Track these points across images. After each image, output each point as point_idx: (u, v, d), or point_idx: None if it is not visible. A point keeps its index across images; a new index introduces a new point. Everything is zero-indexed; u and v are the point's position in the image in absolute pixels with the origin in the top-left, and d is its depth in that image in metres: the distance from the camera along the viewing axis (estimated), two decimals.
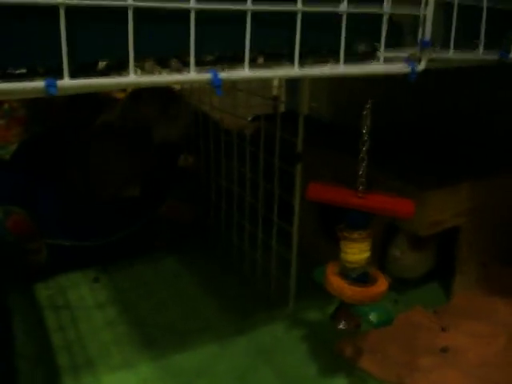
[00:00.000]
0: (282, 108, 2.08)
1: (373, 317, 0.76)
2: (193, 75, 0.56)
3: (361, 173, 0.75)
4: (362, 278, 0.78)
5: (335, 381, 0.94)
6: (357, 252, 0.76)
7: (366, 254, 0.77)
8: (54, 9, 0.49)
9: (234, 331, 1.07)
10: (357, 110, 0.79)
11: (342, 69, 0.64)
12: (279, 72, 0.61)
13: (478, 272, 1.16)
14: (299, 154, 0.99)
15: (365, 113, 0.73)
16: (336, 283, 0.78)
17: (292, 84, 1.99)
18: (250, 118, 1.79)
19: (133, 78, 0.54)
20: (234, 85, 1.56)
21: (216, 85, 0.57)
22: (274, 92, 2.11)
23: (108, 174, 1.33)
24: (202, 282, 1.24)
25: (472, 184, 1.06)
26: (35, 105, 1.46)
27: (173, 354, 1.00)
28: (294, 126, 0.99)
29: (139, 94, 1.41)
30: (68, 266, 1.26)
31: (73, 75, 0.51)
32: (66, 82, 0.51)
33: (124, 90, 2.06)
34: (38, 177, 1.29)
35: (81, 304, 1.15)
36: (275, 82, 1.95)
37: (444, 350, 1.01)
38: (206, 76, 0.56)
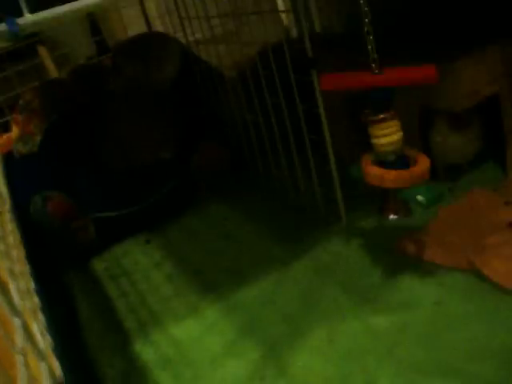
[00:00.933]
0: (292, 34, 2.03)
1: (420, 196, 0.71)
2: None
3: (370, 47, 0.69)
4: (400, 160, 0.73)
5: (403, 281, 0.90)
6: (387, 133, 0.71)
7: (398, 135, 0.72)
8: None
9: (291, 257, 1.04)
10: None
11: None
12: None
13: None
14: (311, 59, 0.93)
15: None
16: (374, 171, 0.73)
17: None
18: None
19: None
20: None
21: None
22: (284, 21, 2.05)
23: (139, 140, 1.30)
24: (251, 220, 1.21)
25: (501, 46, 0.98)
26: (47, 92, 1.45)
27: (234, 293, 0.98)
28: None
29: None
30: (118, 236, 1.26)
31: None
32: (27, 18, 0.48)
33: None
34: (69, 158, 1.29)
35: (137, 267, 1.15)
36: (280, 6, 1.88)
37: (508, 225, 0.95)
38: None
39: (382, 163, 0.74)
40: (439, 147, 1.06)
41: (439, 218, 1.00)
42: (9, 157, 1.48)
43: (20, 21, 0.47)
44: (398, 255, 0.95)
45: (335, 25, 1.74)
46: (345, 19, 1.69)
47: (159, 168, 1.29)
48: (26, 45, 2.08)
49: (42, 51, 2.56)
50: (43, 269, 1.12)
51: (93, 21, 2.57)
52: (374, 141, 0.74)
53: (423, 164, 0.74)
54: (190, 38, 1.45)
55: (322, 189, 1.09)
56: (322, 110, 0.94)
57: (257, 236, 1.15)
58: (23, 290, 0.67)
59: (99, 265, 1.20)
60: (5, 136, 1.72)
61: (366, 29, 0.70)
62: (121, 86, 1.39)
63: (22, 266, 0.81)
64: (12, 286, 0.59)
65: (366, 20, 0.69)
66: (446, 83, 0.94)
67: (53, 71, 2.58)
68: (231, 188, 1.37)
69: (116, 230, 1.25)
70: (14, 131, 1.42)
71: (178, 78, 1.41)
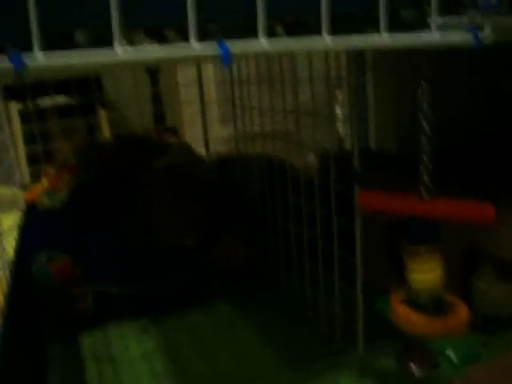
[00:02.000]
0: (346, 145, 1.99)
1: (453, 353, 0.60)
2: (195, 47, 0.46)
3: (425, 174, 0.61)
4: (434, 304, 0.63)
5: None
6: (425, 269, 0.61)
7: (437, 274, 0.62)
8: None
9: (294, 381, 0.92)
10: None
11: (386, 39, 0.52)
12: (304, 43, 0.50)
13: None
14: (356, 173, 0.86)
15: (420, 94, 0.60)
16: (402, 312, 0.63)
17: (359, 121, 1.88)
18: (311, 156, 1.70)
19: (119, 51, 0.44)
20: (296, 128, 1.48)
21: (224, 58, 0.46)
22: (340, 129, 2.01)
23: (168, 224, 1.24)
24: (259, 328, 1.10)
25: None
26: (86, 152, 1.42)
27: None
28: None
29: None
30: (116, 315, 1.17)
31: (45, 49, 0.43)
32: (37, 56, 0.42)
33: (175, 133, 2.03)
34: (86, 223, 1.23)
35: (125, 355, 1.05)
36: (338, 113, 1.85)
37: None
38: (210, 46, 0.46)
39: (414, 304, 0.64)
40: (481, 296, 0.95)
41: (466, 377, 0.88)
42: (32, 207, 1.44)
43: (28, 60, 0.41)
44: None
45: (391, 142, 1.69)
46: (402, 138, 1.63)
47: (177, 254, 1.21)
48: (85, 102, 2.12)
49: (101, 112, 2.61)
50: (26, 329, 1.02)
51: (156, 93, 2.62)
52: (408, 275, 0.64)
53: (461, 314, 0.63)
54: (239, 129, 1.42)
55: (342, 313, 0.98)
56: (357, 228, 0.86)
57: (261, 348, 1.03)
58: None
59: (87, 341, 1.10)
60: (35, 186, 1.70)
61: (422, 150, 0.62)
62: (161, 166, 1.35)
63: None
64: None
65: (424, 140, 0.61)
66: (497, 228, 0.85)
67: (106, 134, 2.61)
68: (247, 288, 1.27)
69: (116, 308, 1.16)
70: (43, 183, 1.39)
71: (218, 171, 1.37)
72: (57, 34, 0.43)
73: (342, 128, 1.97)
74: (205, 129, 1.67)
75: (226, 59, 0.46)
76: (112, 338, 1.11)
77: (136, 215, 1.21)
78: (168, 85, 2.31)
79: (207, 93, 1.74)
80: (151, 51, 0.45)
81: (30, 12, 0.41)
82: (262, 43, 0.48)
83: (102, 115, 2.56)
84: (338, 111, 1.94)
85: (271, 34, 0.49)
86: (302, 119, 1.26)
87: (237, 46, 0.47)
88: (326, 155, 1.08)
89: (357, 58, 1.67)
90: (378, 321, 0.86)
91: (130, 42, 0.45)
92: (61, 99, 2.13)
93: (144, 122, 2.61)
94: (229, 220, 1.30)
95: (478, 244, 0.91)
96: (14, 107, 2.07)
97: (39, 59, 0.42)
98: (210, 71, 1.89)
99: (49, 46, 0.43)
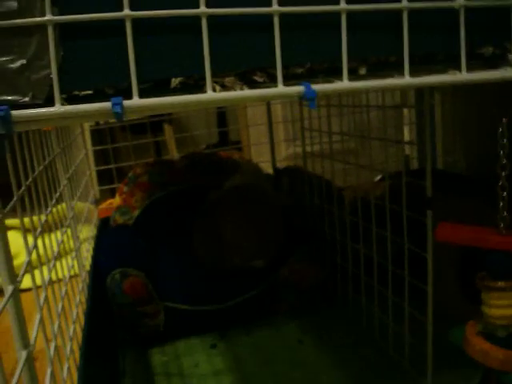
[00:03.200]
0: (413, 165, 1.97)
1: None
2: (281, 89, 0.48)
3: (502, 205, 0.61)
4: (509, 338, 0.63)
5: None
6: (503, 305, 0.61)
7: None
8: (120, 22, 0.44)
9: None
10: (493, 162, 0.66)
11: (464, 76, 0.53)
12: (387, 82, 0.51)
13: None
14: (429, 199, 0.86)
15: (500, 131, 0.60)
16: (479, 345, 0.63)
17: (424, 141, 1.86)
18: (378, 178, 1.70)
19: (210, 94, 0.47)
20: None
21: (309, 97, 0.48)
22: (406, 150, 2.00)
23: (239, 244, 1.26)
24: (327, 350, 1.11)
25: None
26: (157, 170, 1.47)
27: None
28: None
29: None
30: (185, 331, 1.20)
31: (144, 95, 0.46)
32: (134, 102, 0.45)
33: (239, 149, 2.06)
34: (160, 240, 1.27)
35: (195, 371, 1.08)
36: (405, 136, 1.84)
37: None
38: (297, 89, 0.48)
39: (491, 337, 0.64)
40: None
41: None
42: (104, 223, 1.50)
43: (127, 103, 0.44)
44: None
45: (460, 164, 1.66)
46: (472, 160, 1.60)
47: (246, 274, 1.23)
48: (154, 119, 2.18)
49: (168, 130, 2.68)
50: (102, 342, 1.07)
51: (221, 112, 2.68)
52: (486, 309, 0.64)
53: None
54: (308, 149, 1.43)
55: (413, 337, 0.97)
56: (430, 257, 0.86)
57: (328, 371, 1.04)
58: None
59: (158, 357, 1.13)
60: (108, 201, 1.77)
61: (500, 182, 0.62)
62: (232, 185, 1.38)
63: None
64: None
65: (503, 173, 0.61)
66: None
67: (173, 151, 2.68)
68: (314, 309, 1.28)
69: (185, 324, 1.19)
70: (116, 200, 1.44)
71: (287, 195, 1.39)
72: (153, 80, 0.47)
73: (408, 149, 1.96)
74: (272, 148, 1.69)
75: (311, 100, 0.48)
76: (182, 353, 1.14)
77: (207, 234, 1.24)
78: (235, 106, 2.36)
79: (273, 113, 1.76)
80: (240, 94, 0.47)
81: (131, 63, 0.44)
82: (345, 84, 0.50)
83: (169, 133, 2.63)
84: (406, 132, 1.94)
85: (354, 72, 0.51)
86: (365, 142, 1.27)
87: (321, 87, 0.49)
88: (394, 176, 1.08)
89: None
90: (448, 349, 0.86)
91: (222, 85, 0.47)
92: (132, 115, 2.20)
93: (209, 141, 2.67)
94: (297, 241, 1.32)
95: None
96: (86, 125, 2.16)
97: (135, 104, 0.45)
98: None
99: (146, 91, 0.46)
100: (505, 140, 0.60)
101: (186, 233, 1.26)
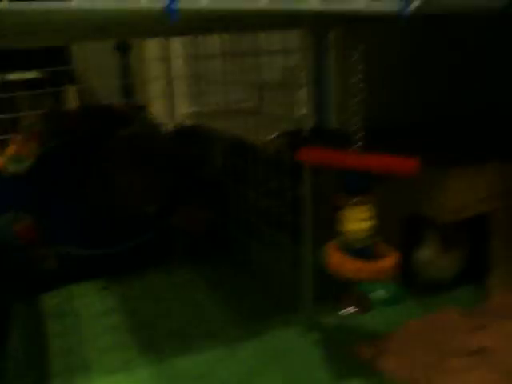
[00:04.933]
0: (309, 124, 2.04)
1: (380, 293, 0.67)
2: (144, 2, 0.51)
3: (355, 128, 0.67)
4: (366, 251, 0.69)
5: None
6: (357, 219, 0.68)
7: (369, 223, 0.68)
8: None
9: (243, 336, 0.98)
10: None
11: (317, 4, 0.58)
12: (245, 3, 0.55)
13: None
14: (304, 138, 0.92)
15: (354, 58, 0.66)
16: (335, 257, 0.69)
17: (319, 102, 1.94)
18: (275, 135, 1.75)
19: (75, 3, 0.49)
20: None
21: (171, 12, 0.51)
22: (303, 110, 2.07)
23: (129, 190, 1.28)
24: (216, 289, 1.17)
25: (499, 165, 0.96)
26: (52, 119, 1.45)
27: (174, 358, 0.92)
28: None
29: None
30: (78, 275, 1.22)
31: None
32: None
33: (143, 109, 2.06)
34: (53, 187, 1.27)
35: (87, 311, 1.10)
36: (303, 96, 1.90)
37: (478, 351, 0.89)
38: (159, 4, 0.51)
39: (348, 250, 0.70)
40: (425, 264, 1.03)
41: (404, 328, 0.95)
42: None
43: None
44: (352, 356, 0.90)
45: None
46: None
47: (138, 220, 1.26)
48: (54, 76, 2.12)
49: (70, 88, 2.61)
50: None
51: (125, 67, 2.63)
52: (343, 225, 0.70)
53: (391, 259, 0.70)
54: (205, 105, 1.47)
55: (293, 274, 1.04)
56: (307, 193, 0.91)
57: (214, 306, 1.09)
58: None
59: (51, 300, 1.15)
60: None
61: (353, 107, 0.68)
62: (124, 135, 1.39)
63: None
64: None
65: (356, 99, 0.67)
66: (436, 191, 0.92)
67: (71, 103, 2.62)
68: (205, 252, 1.33)
69: (78, 268, 1.20)
70: (10, 149, 1.41)
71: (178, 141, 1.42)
72: None
73: (305, 108, 2.03)
74: (171, 104, 1.71)
75: (172, 11, 0.51)
76: (74, 296, 1.16)
77: (99, 181, 1.25)
78: (137, 60, 2.33)
79: (175, 68, 1.77)
80: (103, 2, 0.50)
81: None
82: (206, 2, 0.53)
83: (70, 89, 2.57)
84: (304, 91, 2.00)
85: None
86: (266, 99, 1.32)
87: (184, 2, 0.52)
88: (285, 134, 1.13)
89: (319, 40, 1.72)
90: (326, 280, 0.93)
91: None
92: (28, 74, 2.13)
93: (112, 96, 2.62)
94: (190, 189, 1.35)
95: (423, 209, 0.97)
96: None
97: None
98: (177, 46, 1.91)
99: None
100: (360, 66, 0.66)
101: (79, 180, 1.27)
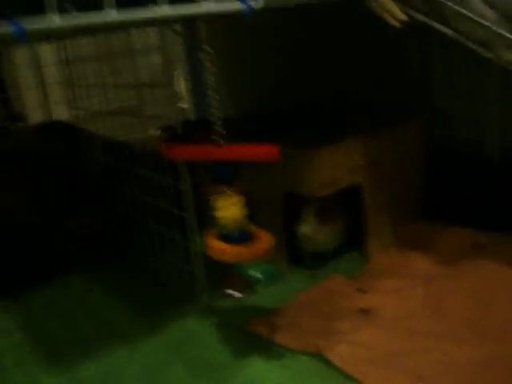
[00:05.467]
0: (190, 117, 2.07)
1: (257, 273, 0.72)
2: None
3: (217, 123, 0.71)
4: (241, 236, 0.74)
5: (252, 363, 0.89)
6: (227, 206, 0.72)
7: (238, 209, 0.73)
8: None
9: (144, 333, 1.01)
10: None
11: (167, 11, 0.61)
12: (93, 18, 0.57)
13: (391, 231, 1.14)
14: (177, 135, 0.95)
15: (207, 57, 0.70)
16: (212, 244, 0.74)
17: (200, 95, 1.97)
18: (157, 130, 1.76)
19: None
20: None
21: (20, 35, 0.53)
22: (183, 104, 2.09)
23: (16, 204, 1.26)
24: (114, 292, 1.18)
25: (362, 139, 1.05)
26: None
27: (78, 366, 0.93)
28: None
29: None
30: None
31: None
32: None
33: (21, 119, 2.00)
34: None
35: None
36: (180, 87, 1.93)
37: (363, 310, 0.98)
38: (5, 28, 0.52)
39: (223, 237, 0.75)
40: (306, 239, 1.10)
41: (296, 301, 1.02)
42: None
43: None
44: (250, 335, 0.95)
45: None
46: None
47: (27, 230, 1.24)
48: None
49: None
50: None
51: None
52: (214, 212, 0.75)
53: (265, 242, 0.75)
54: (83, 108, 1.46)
55: (185, 265, 1.08)
56: (187, 187, 0.95)
57: (116, 309, 1.11)
58: None
59: None
60: None
61: (211, 101, 0.72)
62: (5, 149, 1.36)
63: None
64: None
65: (209, 93, 0.71)
66: (307, 170, 0.99)
67: None
68: (98, 259, 1.33)
69: None
70: None
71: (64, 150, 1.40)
72: None
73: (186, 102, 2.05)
74: (48, 112, 1.68)
75: (22, 37, 0.53)
76: None
77: None
78: (9, 69, 2.24)
79: (49, 74, 1.73)
80: None
81: None
82: (56, 21, 0.55)
83: None
84: (182, 86, 2.02)
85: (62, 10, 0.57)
86: (146, 95, 1.33)
87: (31, 23, 0.53)
88: (167, 128, 1.16)
89: (192, 35, 1.75)
90: (218, 271, 0.98)
91: None
92: None
93: None
94: (76, 195, 1.35)
95: (294, 187, 1.04)
96: None
97: None
98: (47, 51, 1.86)
99: None
100: (211, 65, 0.71)
101: None
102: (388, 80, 1.24)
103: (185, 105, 2.04)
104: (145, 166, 1.12)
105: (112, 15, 0.58)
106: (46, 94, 1.65)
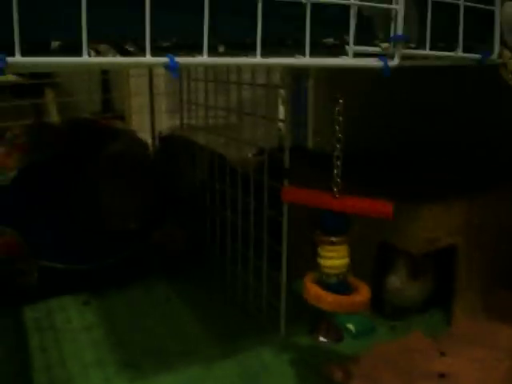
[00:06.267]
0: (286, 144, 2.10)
1: (351, 325, 0.72)
2: (148, 58, 0.55)
3: (336, 172, 0.73)
4: (341, 285, 0.75)
5: None
6: (334, 257, 0.73)
7: (345, 260, 0.74)
8: None
9: (221, 355, 1.03)
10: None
11: (307, 60, 0.63)
12: (240, 60, 0.60)
13: (480, 297, 1.10)
14: (286, 170, 0.97)
15: (337, 109, 0.72)
16: (313, 290, 0.75)
17: (296, 120, 2.00)
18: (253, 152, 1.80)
19: (85, 58, 0.53)
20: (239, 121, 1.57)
21: (172, 68, 0.56)
22: (282, 129, 2.12)
23: (114, 207, 1.31)
24: (193, 307, 1.21)
25: (468, 200, 1.03)
26: (37, 132, 1.47)
27: (154, 376, 0.96)
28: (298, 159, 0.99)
29: None
30: (58, 290, 1.24)
31: (25, 54, 0.51)
32: (17, 59, 0.50)
33: (122, 119, 2.09)
34: (36, 201, 1.29)
35: (67, 326, 1.13)
36: (280, 115, 1.96)
37: (442, 374, 0.96)
38: (162, 59, 0.55)
39: (324, 284, 0.76)
40: (394, 292, 1.09)
41: (373, 352, 1.01)
42: None
43: (10, 59, 0.49)
44: (324, 379, 0.95)
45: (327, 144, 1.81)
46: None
47: (120, 236, 1.29)
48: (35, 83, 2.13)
49: (49, 94, 2.62)
50: None
51: (105, 80, 2.66)
52: (321, 261, 0.76)
53: (364, 294, 0.75)
54: (185, 121, 1.51)
55: (269, 296, 1.09)
56: (284, 219, 0.97)
57: (194, 325, 1.13)
58: None
59: (31, 314, 1.17)
60: None
61: (335, 153, 0.73)
62: (111, 152, 1.42)
63: None
64: None
65: (338, 146, 0.72)
66: (407, 224, 0.98)
67: (54, 116, 2.63)
68: (184, 272, 1.37)
69: (60, 283, 1.23)
70: None
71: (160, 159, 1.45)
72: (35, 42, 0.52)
73: (283, 128, 2.08)
74: (152, 119, 1.74)
75: (174, 70, 0.56)
76: (55, 310, 1.18)
77: (84, 196, 1.28)
78: (119, 74, 2.36)
79: (156, 85, 1.81)
80: (113, 60, 0.54)
81: (15, 23, 0.49)
82: (204, 59, 0.58)
83: (50, 97, 2.58)
84: (282, 110, 2.06)
85: (213, 50, 0.59)
86: (246, 117, 1.36)
87: (183, 60, 0.56)
88: (263, 151, 1.19)
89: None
90: (301, 305, 0.98)
91: (97, 51, 0.54)
92: (11, 77, 2.15)
93: (92, 108, 2.64)
94: (171, 207, 1.39)
95: (390, 239, 1.04)
96: None
97: (18, 61, 0.50)
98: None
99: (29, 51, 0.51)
100: (340, 117, 0.72)
101: (64, 195, 1.29)
102: (500, 141, 1.21)
103: (283, 129, 2.07)
104: (243, 187, 1.14)
105: (257, 60, 0.60)
106: (152, 101, 1.72)
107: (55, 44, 0.53)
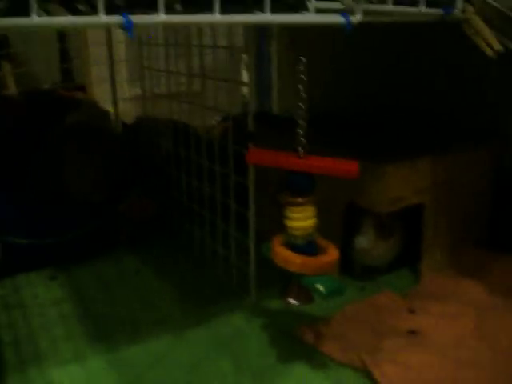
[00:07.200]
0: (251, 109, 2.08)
1: (321, 286, 0.72)
2: (101, 17, 0.53)
3: (300, 132, 0.71)
4: (309, 247, 0.75)
5: (295, 368, 0.89)
6: (301, 218, 0.73)
7: (312, 221, 0.74)
8: None
9: (192, 322, 1.02)
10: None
11: (269, 17, 0.61)
12: (198, 18, 0.58)
13: (447, 254, 1.12)
14: (251, 133, 0.95)
15: (301, 68, 0.70)
16: (282, 253, 0.74)
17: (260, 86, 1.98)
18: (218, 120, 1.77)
19: (35, 18, 0.50)
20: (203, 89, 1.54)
21: (127, 27, 0.53)
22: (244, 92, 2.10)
23: (77, 178, 1.28)
24: (163, 277, 1.20)
25: (433, 159, 1.03)
26: None
27: (126, 347, 0.95)
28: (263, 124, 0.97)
29: None
30: (24, 266, 1.22)
31: None
32: None
33: (83, 90, 2.04)
34: None
35: (35, 302, 1.11)
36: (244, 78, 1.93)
37: (412, 331, 0.97)
38: (116, 18, 0.53)
39: (291, 246, 0.75)
40: (363, 252, 1.10)
41: (343, 312, 1.02)
42: None
43: None
44: (296, 341, 0.95)
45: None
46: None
47: (84, 208, 1.27)
48: None
49: (5, 66, 2.52)
50: None
51: (63, 49, 2.58)
52: (287, 222, 0.75)
53: (332, 255, 0.75)
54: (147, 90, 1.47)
55: (238, 261, 1.09)
56: (251, 184, 0.96)
57: (163, 294, 1.13)
58: None
59: None
60: None
61: (299, 113, 0.72)
62: (72, 122, 1.39)
63: None
64: None
65: (302, 106, 0.71)
66: (373, 184, 0.98)
67: (12, 88, 2.54)
68: (152, 241, 1.36)
69: (24, 258, 1.21)
70: None
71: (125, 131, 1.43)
72: None
73: (248, 92, 2.06)
74: (113, 88, 1.70)
75: (129, 29, 0.53)
76: (21, 287, 1.16)
77: (46, 169, 1.25)
78: (77, 43, 2.29)
79: (117, 53, 1.76)
80: (65, 20, 0.51)
81: None
82: (160, 17, 0.56)
83: (6, 69, 2.49)
84: (245, 76, 2.03)
85: (170, 9, 0.57)
86: (209, 83, 1.33)
87: (138, 18, 0.54)
88: (229, 118, 1.17)
89: (261, 29, 1.76)
90: (269, 269, 0.98)
91: (46, 12, 0.51)
92: None
93: (51, 78, 2.56)
94: (136, 177, 1.37)
95: (357, 199, 1.04)
96: None
97: None
98: (119, 31, 1.89)
99: None
100: (304, 77, 0.70)
101: (23, 168, 1.26)
102: (462, 102, 1.22)
103: (247, 95, 2.05)
104: (208, 154, 1.13)
105: (216, 18, 0.58)
106: (112, 71, 1.67)
107: (1, 4, 0.50)
